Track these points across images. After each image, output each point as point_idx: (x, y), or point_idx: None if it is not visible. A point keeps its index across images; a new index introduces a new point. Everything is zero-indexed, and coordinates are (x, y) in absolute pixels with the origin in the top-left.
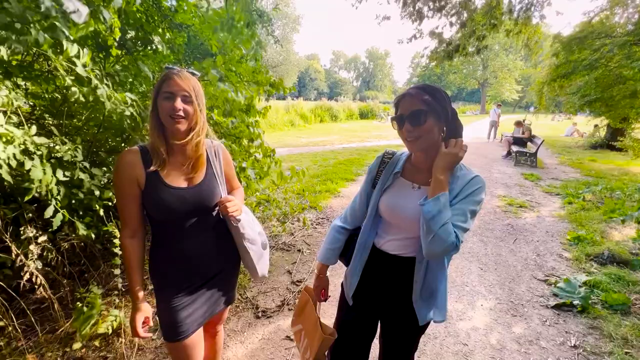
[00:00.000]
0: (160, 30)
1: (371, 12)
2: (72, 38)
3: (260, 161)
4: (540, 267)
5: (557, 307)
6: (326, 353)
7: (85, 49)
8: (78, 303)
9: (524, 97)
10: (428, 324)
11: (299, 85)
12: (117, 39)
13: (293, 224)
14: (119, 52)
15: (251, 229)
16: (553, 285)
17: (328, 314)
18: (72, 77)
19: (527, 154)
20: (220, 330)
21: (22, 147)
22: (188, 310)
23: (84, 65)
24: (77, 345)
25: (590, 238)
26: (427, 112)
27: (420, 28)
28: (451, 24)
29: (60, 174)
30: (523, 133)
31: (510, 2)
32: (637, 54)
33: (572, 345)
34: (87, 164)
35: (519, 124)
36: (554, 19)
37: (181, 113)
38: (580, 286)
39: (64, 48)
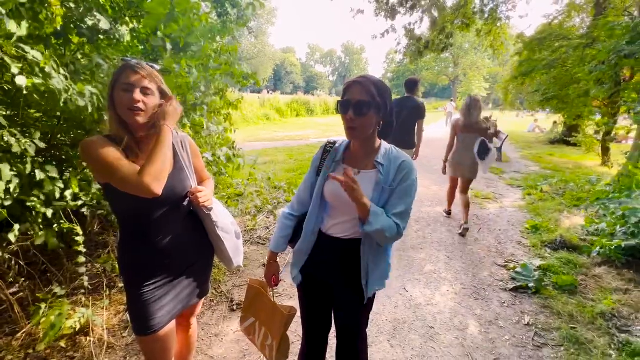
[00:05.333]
0: (126, 18)
1: (346, 7)
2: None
3: (220, 160)
4: (501, 254)
5: (514, 289)
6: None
7: (23, 22)
8: (38, 304)
9: (492, 94)
10: (374, 296)
11: (274, 79)
12: (80, 26)
13: (268, 218)
14: (81, 39)
15: (224, 217)
16: (512, 270)
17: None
18: (20, 65)
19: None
20: (194, 323)
21: None
22: (160, 303)
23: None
24: (41, 347)
25: (546, 226)
26: (371, 105)
27: (393, 24)
28: (421, 20)
29: (7, 168)
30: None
31: (483, 2)
32: (588, 56)
33: (526, 323)
34: (40, 160)
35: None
36: (518, 21)
37: (140, 105)
38: (535, 270)
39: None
